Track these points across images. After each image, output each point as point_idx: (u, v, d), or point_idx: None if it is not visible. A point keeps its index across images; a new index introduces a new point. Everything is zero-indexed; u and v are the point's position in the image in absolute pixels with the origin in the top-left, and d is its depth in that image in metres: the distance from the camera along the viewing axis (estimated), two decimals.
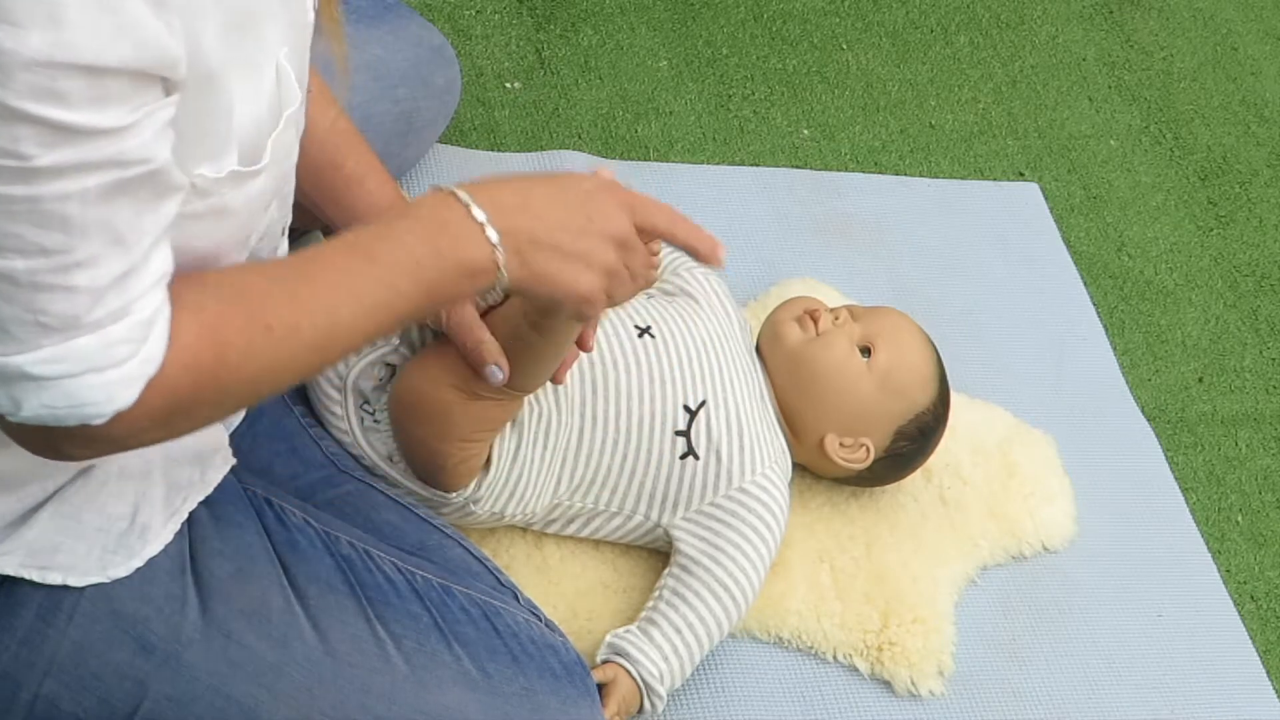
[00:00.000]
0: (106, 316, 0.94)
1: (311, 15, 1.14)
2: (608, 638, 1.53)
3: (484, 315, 1.43)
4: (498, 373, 1.38)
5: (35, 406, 0.94)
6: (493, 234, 1.11)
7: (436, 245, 1.09)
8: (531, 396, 1.51)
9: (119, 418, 0.96)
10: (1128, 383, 2.03)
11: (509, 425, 1.51)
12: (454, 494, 1.50)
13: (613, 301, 1.20)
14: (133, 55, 0.88)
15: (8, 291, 0.90)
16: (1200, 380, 2.08)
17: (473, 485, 1.50)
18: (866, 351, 1.68)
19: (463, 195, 1.11)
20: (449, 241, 1.10)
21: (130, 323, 0.95)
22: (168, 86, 0.93)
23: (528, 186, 1.16)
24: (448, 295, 1.12)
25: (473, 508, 1.52)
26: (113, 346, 0.94)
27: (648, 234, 1.20)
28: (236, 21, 1.00)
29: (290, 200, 1.23)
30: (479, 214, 1.11)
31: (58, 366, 0.93)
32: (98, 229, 0.91)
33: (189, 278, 1.01)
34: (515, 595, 1.41)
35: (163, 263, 0.97)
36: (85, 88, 0.87)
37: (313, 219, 1.50)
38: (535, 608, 1.42)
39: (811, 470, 1.75)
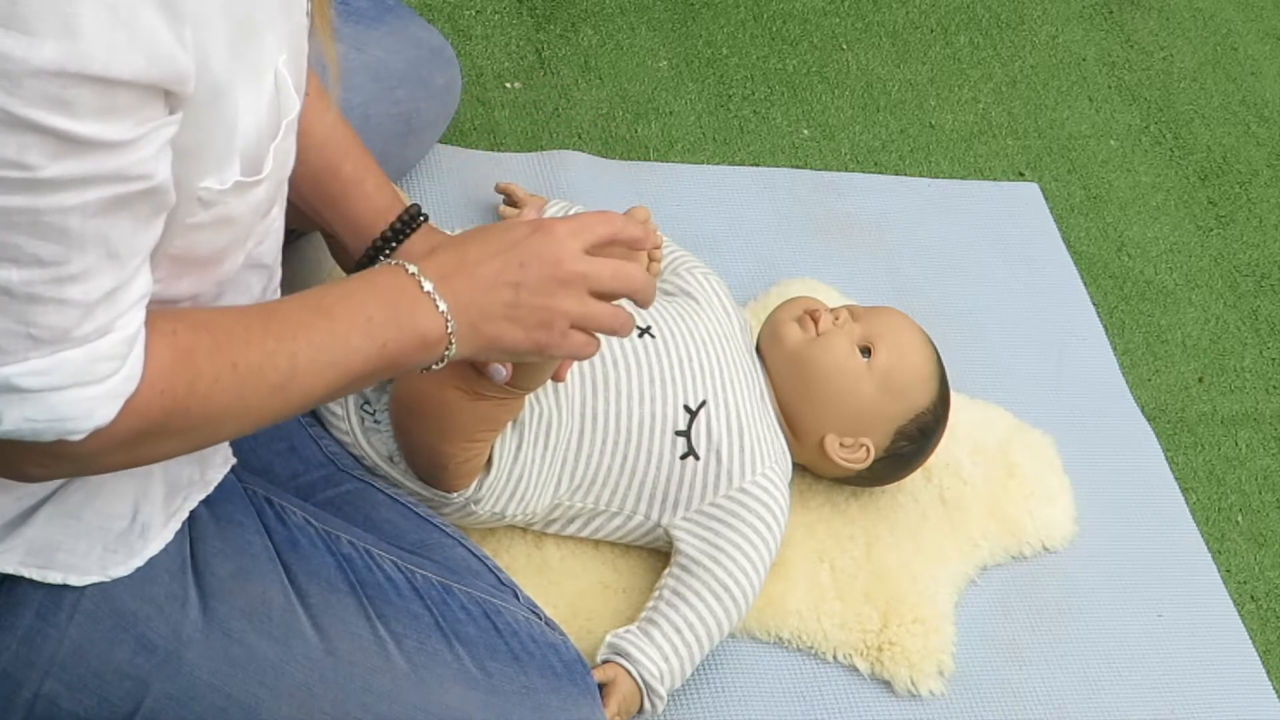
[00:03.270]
0: (94, 331, 0.94)
1: (306, 20, 1.14)
2: (608, 638, 1.53)
3: None
4: (501, 371, 1.38)
5: (16, 419, 0.94)
6: (442, 304, 1.14)
7: (393, 308, 1.12)
8: (532, 397, 1.51)
9: (93, 436, 0.97)
10: (1128, 383, 2.03)
11: (510, 425, 1.51)
12: (455, 494, 1.50)
13: (616, 307, 1.22)
14: (144, 68, 0.89)
15: (0, 303, 0.91)
16: (1200, 380, 2.08)
17: (474, 485, 1.50)
18: (866, 352, 1.68)
19: (410, 266, 1.14)
20: (405, 306, 1.13)
21: (115, 339, 0.96)
22: (171, 103, 0.93)
23: (462, 243, 1.18)
24: (401, 359, 1.14)
25: (474, 508, 1.52)
26: (98, 362, 0.95)
27: (602, 247, 1.21)
28: (241, 31, 1.00)
29: (285, 203, 1.24)
30: (426, 284, 1.14)
31: (45, 379, 0.93)
32: (95, 243, 0.91)
33: (160, 308, 1.02)
34: (515, 594, 1.41)
35: (145, 282, 0.98)
36: (93, 98, 0.87)
37: (311, 222, 1.50)
38: (535, 606, 1.42)
39: (812, 470, 1.75)
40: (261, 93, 1.05)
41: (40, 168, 0.87)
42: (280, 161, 1.10)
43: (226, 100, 1.00)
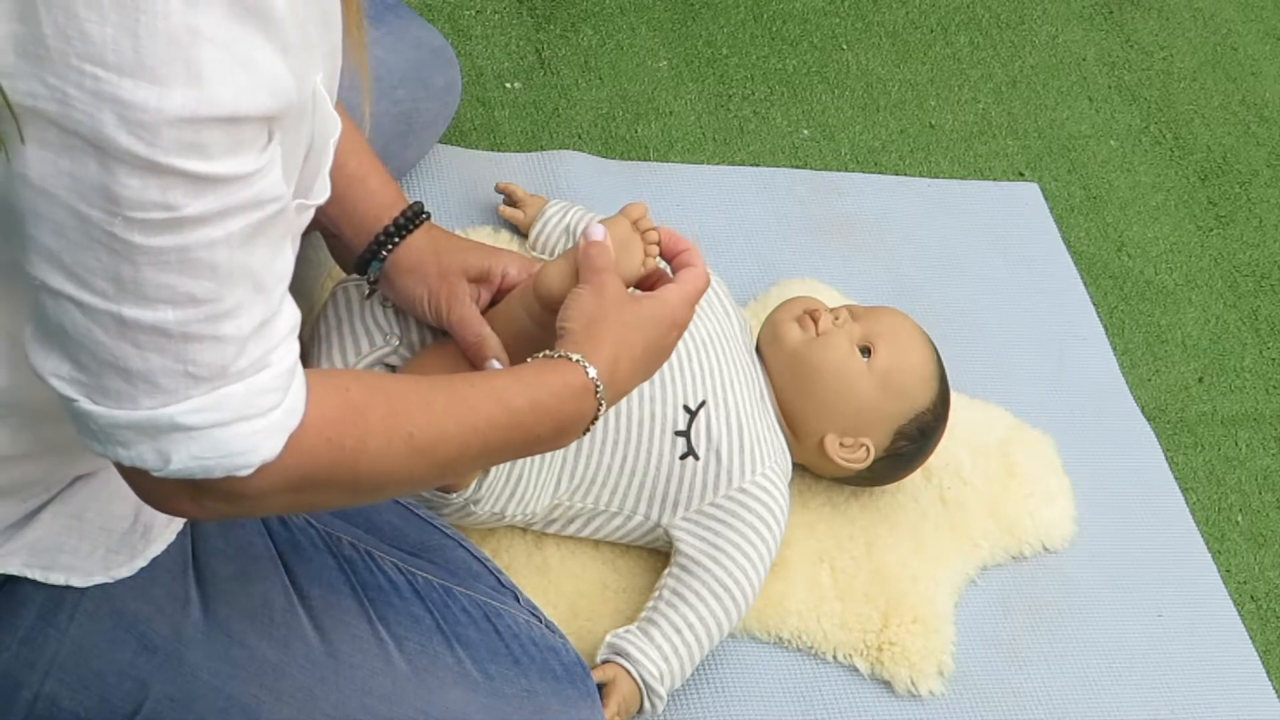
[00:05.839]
0: (250, 366, 0.96)
1: (339, 39, 1.14)
2: (608, 638, 1.53)
3: (485, 311, 1.43)
4: (499, 367, 1.38)
5: (185, 458, 0.96)
6: (605, 404, 1.22)
7: (571, 415, 1.20)
8: None
9: (261, 471, 0.99)
10: (1128, 383, 2.03)
11: None
12: (455, 494, 1.50)
13: None
14: (268, 103, 0.90)
15: (159, 343, 0.92)
16: (1200, 380, 2.08)
17: (473, 485, 1.50)
18: (866, 351, 1.68)
19: (591, 369, 1.20)
20: (583, 414, 1.21)
21: (273, 373, 0.97)
22: (270, 130, 0.94)
23: (624, 335, 1.25)
24: (552, 448, 1.23)
25: (473, 508, 1.52)
26: (259, 395, 0.96)
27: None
28: (304, 51, 1.01)
29: None
30: (600, 390, 1.21)
31: (209, 415, 0.95)
32: (241, 274, 0.93)
33: (336, 369, 1.04)
34: (516, 596, 1.41)
35: (293, 313, 1.00)
36: (224, 138, 0.88)
37: (312, 221, 1.50)
38: (536, 609, 1.42)
39: (811, 470, 1.75)
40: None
41: (184, 206, 0.88)
42: (331, 184, 1.11)
43: (304, 122, 1.02)
